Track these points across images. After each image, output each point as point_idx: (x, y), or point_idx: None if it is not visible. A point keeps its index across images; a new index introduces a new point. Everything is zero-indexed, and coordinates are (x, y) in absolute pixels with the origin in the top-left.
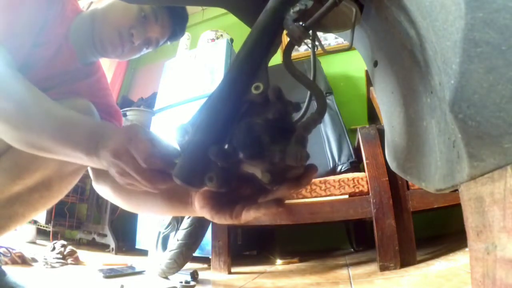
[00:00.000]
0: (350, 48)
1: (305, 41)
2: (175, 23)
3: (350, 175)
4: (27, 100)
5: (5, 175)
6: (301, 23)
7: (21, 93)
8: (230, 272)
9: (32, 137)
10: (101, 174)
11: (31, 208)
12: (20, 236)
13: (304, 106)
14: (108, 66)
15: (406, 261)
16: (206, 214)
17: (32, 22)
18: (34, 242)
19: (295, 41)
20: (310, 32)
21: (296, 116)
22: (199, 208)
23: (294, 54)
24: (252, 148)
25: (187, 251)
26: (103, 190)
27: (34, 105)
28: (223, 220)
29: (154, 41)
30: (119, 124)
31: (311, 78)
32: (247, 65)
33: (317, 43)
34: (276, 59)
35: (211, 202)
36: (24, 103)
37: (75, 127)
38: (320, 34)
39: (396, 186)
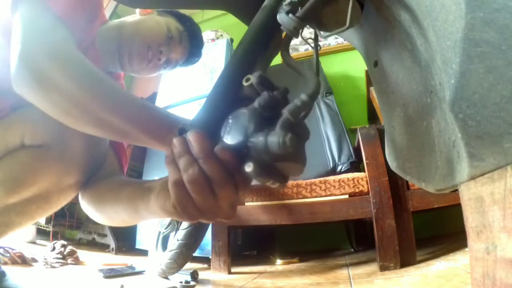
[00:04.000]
0: (348, 27)
1: (308, 41)
2: (194, 46)
3: (350, 175)
4: (104, 80)
5: None
6: (295, 15)
7: (97, 73)
8: (230, 272)
9: (110, 115)
10: (87, 191)
11: (28, 217)
12: (20, 236)
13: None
14: None
15: (406, 261)
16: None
17: (81, 14)
18: (34, 242)
19: (290, 32)
20: (309, 29)
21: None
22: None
23: (295, 54)
24: (236, 138)
25: (187, 251)
26: (86, 207)
27: (112, 87)
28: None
29: (173, 62)
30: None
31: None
32: (244, 62)
33: (321, 42)
34: (276, 58)
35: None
36: (103, 83)
37: (153, 114)
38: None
39: (396, 186)
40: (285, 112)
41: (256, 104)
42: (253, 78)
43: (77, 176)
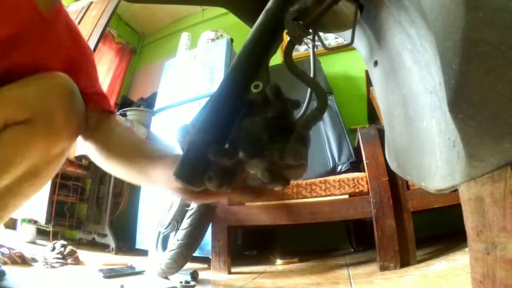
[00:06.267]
0: (351, 44)
1: (306, 40)
2: None
3: (350, 175)
4: None
5: None
6: (301, 22)
7: None
8: (230, 272)
9: None
10: (93, 135)
11: (22, 197)
12: (20, 236)
13: (304, 104)
14: (108, 68)
15: (406, 261)
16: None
17: None
18: (34, 242)
19: (295, 40)
20: (310, 30)
21: (297, 114)
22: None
23: (294, 54)
24: (252, 147)
25: (187, 251)
26: (88, 149)
27: None
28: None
29: None
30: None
31: (311, 77)
32: (248, 64)
33: (318, 42)
34: (276, 58)
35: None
36: None
37: None
38: (320, 34)
39: (396, 186)
40: (300, 126)
41: (270, 115)
42: (268, 89)
43: (62, 145)
